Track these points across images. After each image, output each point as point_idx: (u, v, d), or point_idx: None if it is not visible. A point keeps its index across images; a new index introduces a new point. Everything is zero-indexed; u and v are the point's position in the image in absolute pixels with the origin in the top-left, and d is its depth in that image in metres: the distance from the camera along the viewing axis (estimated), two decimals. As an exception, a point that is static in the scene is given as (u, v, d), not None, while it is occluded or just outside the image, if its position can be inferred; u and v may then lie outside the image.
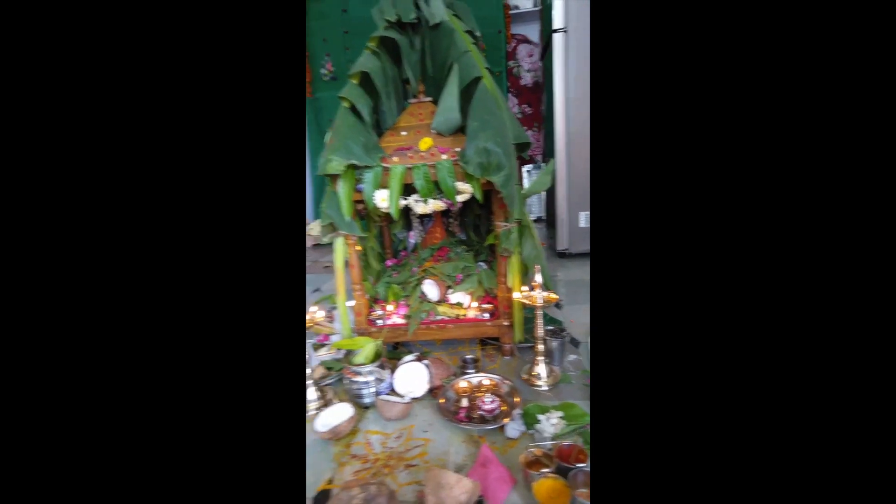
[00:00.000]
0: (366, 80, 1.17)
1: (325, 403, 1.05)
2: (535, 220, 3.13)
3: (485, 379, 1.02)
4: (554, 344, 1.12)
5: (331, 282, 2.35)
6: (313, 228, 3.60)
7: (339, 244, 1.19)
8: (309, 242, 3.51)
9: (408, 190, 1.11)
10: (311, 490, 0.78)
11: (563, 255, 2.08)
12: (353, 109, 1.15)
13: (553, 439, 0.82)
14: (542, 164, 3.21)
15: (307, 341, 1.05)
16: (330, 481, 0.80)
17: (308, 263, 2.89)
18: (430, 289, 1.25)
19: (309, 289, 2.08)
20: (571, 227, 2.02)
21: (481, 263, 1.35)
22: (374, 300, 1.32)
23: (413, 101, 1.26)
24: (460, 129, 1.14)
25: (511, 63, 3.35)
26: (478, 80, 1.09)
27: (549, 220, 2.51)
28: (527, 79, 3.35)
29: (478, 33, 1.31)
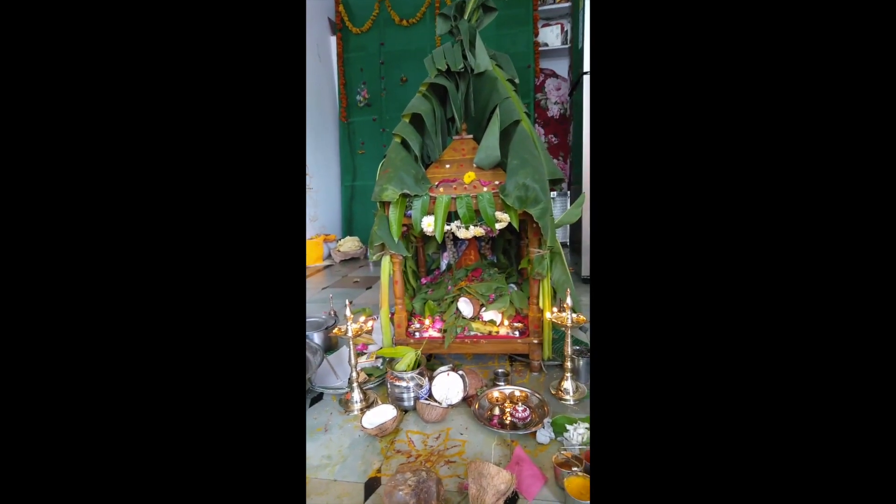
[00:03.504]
0: (416, 120, 1.34)
1: (369, 405, 1.17)
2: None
3: (516, 391, 1.12)
4: (580, 362, 1.22)
5: (362, 295, 2.49)
6: (343, 244, 3.79)
7: (386, 262, 1.33)
8: (338, 258, 3.68)
9: (450, 217, 1.25)
10: (363, 477, 0.89)
11: (586, 282, 2.17)
12: (404, 144, 1.31)
13: (580, 446, 0.91)
14: (568, 192, 3.33)
15: (350, 349, 1.17)
16: (378, 470, 0.91)
17: (339, 278, 3.05)
18: (465, 306, 1.37)
19: (340, 302, 2.22)
20: (595, 254, 2.11)
21: (512, 285, 1.46)
22: (411, 314, 1.45)
23: (456, 137, 1.41)
24: (499, 165, 1.28)
25: (539, 95, 3.53)
26: (517, 122, 1.23)
27: (574, 246, 2.60)
28: (554, 111, 3.51)
29: (517, 80, 1.46)
